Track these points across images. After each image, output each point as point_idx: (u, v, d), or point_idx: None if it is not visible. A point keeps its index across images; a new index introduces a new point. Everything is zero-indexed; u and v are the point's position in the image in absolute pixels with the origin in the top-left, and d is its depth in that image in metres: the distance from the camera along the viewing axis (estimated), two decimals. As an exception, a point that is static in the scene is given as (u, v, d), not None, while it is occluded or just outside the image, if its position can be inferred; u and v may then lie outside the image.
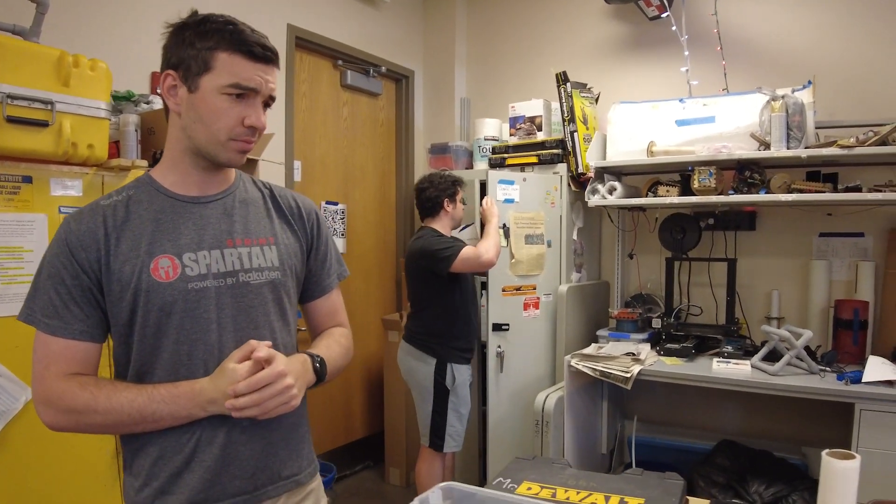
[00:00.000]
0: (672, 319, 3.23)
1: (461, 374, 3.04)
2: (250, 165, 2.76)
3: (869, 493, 2.63)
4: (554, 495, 1.32)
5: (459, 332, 3.06)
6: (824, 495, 1.01)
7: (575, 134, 3.33)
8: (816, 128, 3.08)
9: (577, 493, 1.33)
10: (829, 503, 1.02)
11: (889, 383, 2.62)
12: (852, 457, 1.02)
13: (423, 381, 3.03)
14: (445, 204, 3.05)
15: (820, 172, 3.08)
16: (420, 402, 3.08)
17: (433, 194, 3.05)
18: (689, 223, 3.24)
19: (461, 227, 3.29)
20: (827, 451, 1.01)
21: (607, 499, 1.30)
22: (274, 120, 3.24)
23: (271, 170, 2.88)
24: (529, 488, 1.36)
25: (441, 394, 3.00)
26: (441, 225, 3.08)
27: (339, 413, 3.88)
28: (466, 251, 2.88)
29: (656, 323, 3.32)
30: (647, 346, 3.21)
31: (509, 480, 1.40)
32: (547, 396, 3.10)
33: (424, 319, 3.05)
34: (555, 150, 3.42)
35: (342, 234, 3.77)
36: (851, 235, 3.25)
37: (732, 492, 3.01)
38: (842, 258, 3.29)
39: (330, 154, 3.78)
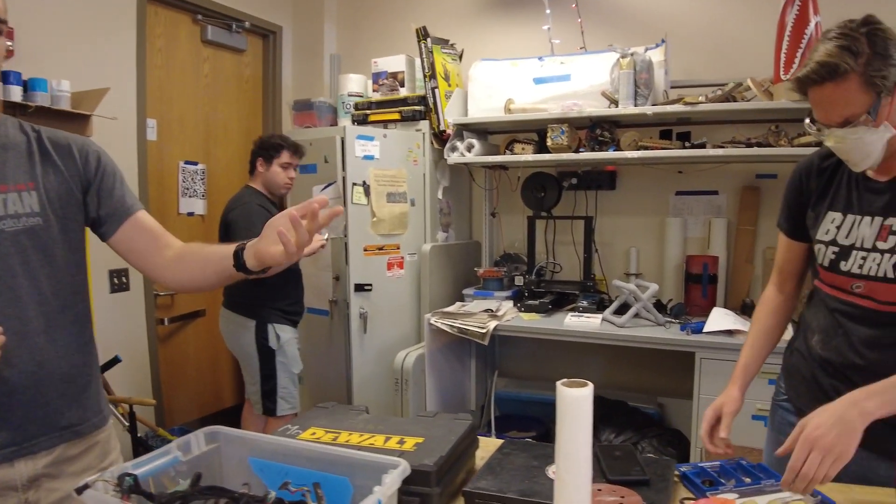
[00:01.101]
0: (533, 277, 3.31)
1: (285, 333, 3.03)
2: (81, 121, 2.62)
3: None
4: (335, 439, 1.33)
5: (287, 293, 3.06)
6: (561, 421, 1.05)
7: (436, 90, 3.33)
8: (672, 87, 3.20)
9: (361, 435, 1.34)
10: (564, 428, 1.06)
11: (728, 333, 2.78)
12: (586, 385, 1.06)
13: (246, 347, 3.00)
14: (259, 164, 3.08)
15: (672, 131, 3.20)
16: (247, 368, 3.05)
17: (252, 152, 3.12)
18: (549, 182, 3.32)
19: (323, 186, 3.25)
20: (562, 381, 1.05)
21: (387, 439, 1.31)
22: (122, 76, 3.10)
23: (111, 127, 2.74)
24: (314, 433, 1.35)
25: (266, 356, 2.98)
26: (257, 184, 3.11)
27: (207, 382, 3.81)
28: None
29: (520, 281, 3.40)
30: (510, 303, 3.29)
31: (297, 427, 1.39)
32: (407, 355, 3.14)
33: (242, 282, 2.94)
34: (417, 107, 3.41)
35: (203, 196, 3.65)
36: (706, 193, 3.41)
37: (588, 442, 3.14)
38: (696, 216, 3.45)
39: (189, 112, 3.64)
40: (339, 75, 3.92)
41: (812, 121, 1.34)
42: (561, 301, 3.32)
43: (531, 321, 3.07)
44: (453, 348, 3.35)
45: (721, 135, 3.11)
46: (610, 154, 2.97)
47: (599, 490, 1.23)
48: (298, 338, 3.14)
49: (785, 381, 1.62)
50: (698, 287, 3.21)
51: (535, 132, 3.25)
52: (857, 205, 1.39)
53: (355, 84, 3.72)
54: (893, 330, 1.35)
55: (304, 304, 3.20)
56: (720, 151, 2.83)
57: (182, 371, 3.64)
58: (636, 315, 3.05)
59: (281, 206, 3.13)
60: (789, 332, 1.70)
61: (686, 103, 2.85)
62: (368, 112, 3.53)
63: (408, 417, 1.54)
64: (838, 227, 1.41)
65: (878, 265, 1.33)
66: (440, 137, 3.43)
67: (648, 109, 2.86)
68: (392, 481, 0.97)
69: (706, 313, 3.03)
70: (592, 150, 3.02)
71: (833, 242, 1.41)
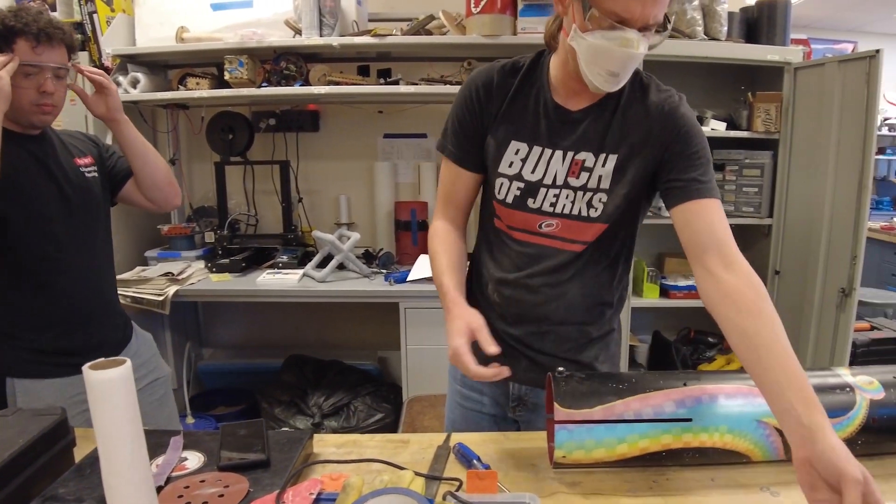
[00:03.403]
0: (226, 231, 3.02)
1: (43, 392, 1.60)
2: None
3: (416, 388, 2.81)
4: None
5: (46, 313, 1.63)
6: (93, 407, 0.83)
7: (95, 16, 2.85)
8: (371, 20, 3.05)
9: None
10: (98, 421, 0.84)
11: (430, 280, 2.73)
12: (122, 363, 0.84)
13: None
14: None
15: (370, 68, 3.05)
16: None
17: None
18: (238, 122, 3.01)
19: None
20: (94, 362, 0.82)
21: None
22: None
23: None
24: None
25: None
26: None
27: None
28: None
29: (212, 237, 3.09)
30: (201, 264, 2.98)
31: None
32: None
33: None
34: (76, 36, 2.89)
35: None
36: (414, 136, 3.34)
37: (295, 408, 2.98)
38: (406, 160, 3.38)
39: None
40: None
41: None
42: (260, 257, 3.08)
43: (221, 282, 2.79)
44: (143, 321, 2.95)
45: (421, 72, 3.03)
46: (296, 89, 2.74)
47: (202, 482, 1.05)
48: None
49: None
50: (408, 234, 3.15)
51: (214, 65, 2.92)
52: (546, 136, 1.25)
53: (-12, 3, 3.07)
54: (569, 268, 1.30)
55: (94, 330, 1.70)
56: (412, 88, 2.75)
57: None
58: (342, 267, 2.92)
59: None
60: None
61: (375, 35, 2.70)
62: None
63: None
64: (524, 160, 1.26)
65: (573, 203, 1.24)
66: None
67: (334, 41, 2.68)
68: None
69: (416, 261, 2.99)
70: (278, 84, 2.77)
71: (518, 177, 1.26)
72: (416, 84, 2.81)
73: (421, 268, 2.85)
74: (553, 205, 1.25)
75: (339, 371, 3.20)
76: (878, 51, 2.44)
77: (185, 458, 1.13)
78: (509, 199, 1.28)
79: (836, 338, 2.68)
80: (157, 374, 1.88)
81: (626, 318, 2.60)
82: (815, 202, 2.76)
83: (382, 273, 2.91)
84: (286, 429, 2.80)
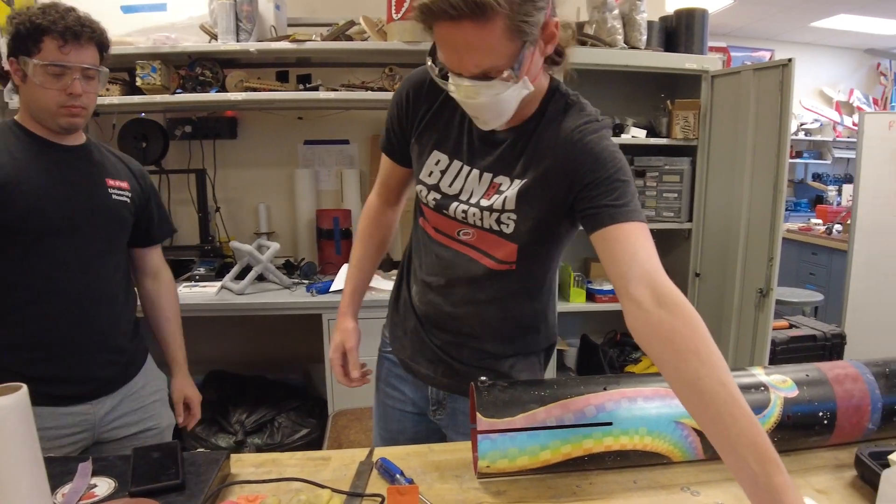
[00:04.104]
0: (140, 244, 2.91)
1: None
2: None
3: (342, 401, 2.77)
4: None
5: (26, 334, 1.50)
6: None
7: (-9, 16, 2.71)
8: (290, 24, 3.00)
9: None
10: None
11: (356, 289, 2.70)
12: (18, 389, 0.80)
13: None
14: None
15: (288, 73, 3.00)
16: None
17: None
18: (152, 130, 2.92)
19: None
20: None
21: None
22: None
23: None
24: None
25: None
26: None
27: None
28: None
29: (125, 250, 2.98)
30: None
31: None
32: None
33: None
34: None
35: None
36: (336, 143, 3.30)
37: (217, 426, 2.90)
38: (328, 166, 3.34)
39: None
40: None
41: (434, 61, 1.10)
42: (176, 270, 2.97)
43: (134, 297, 2.68)
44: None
45: (342, 78, 3.00)
46: (212, 96, 2.67)
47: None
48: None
49: (390, 331, 1.53)
50: (331, 243, 3.12)
51: (126, 70, 2.82)
52: (466, 153, 1.24)
53: None
54: (486, 285, 1.30)
55: (75, 362, 1.53)
56: (332, 94, 2.72)
57: None
58: (262, 279, 2.86)
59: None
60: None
61: (294, 41, 2.66)
62: None
63: None
64: (443, 172, 1.26)
65: (481, 220, 1.24)
66: (3, 76, 2.81)
67: (252, 46, 2.62)
68: None
69: (339, 271, 2.95)
70: (194, 91, 2.69)
71: (436, 187, 1.27)
72: (337, 90, 2.77)
73: (344, 278, 2.81)
74: (465, 218, 1.25)
75: (263, 386, 3.14)
76: (790, 60, 2.55)
77: (95, 485, 1.08)
78: (431, 204, 1.29)
79: (755, 337, 2.78)
80: (150, 423, 1.68)
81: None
82: (733, 206, 2.87)
83: (304, 283, 2.86)
84: (201, 450, 2.72)
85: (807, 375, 1.21)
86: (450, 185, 1.26)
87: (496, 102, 1.07)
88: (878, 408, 1.19)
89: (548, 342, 1.45)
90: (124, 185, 1.61)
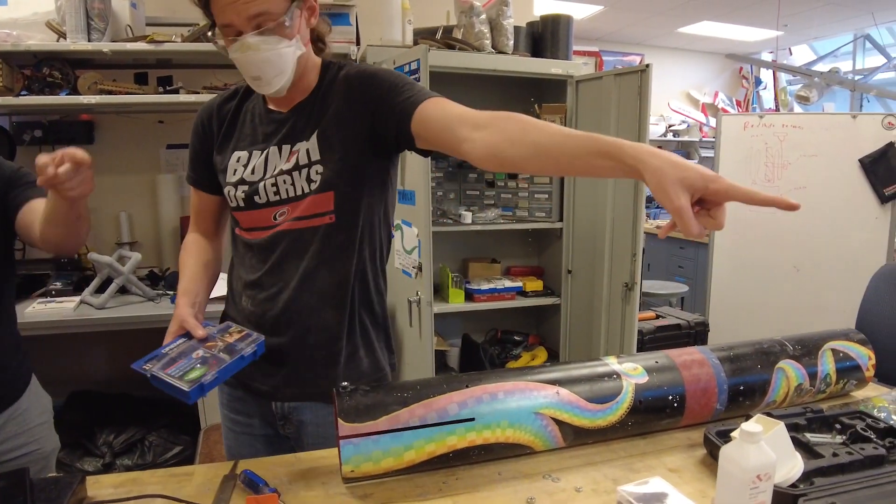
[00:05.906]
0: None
1: None
2: None
3: (215, 415, 2.69)
4: None
5: None
6: None
7: None
8: (149, 24, 2.93)
9: None
10: None
11: (222, 299, 2.67)
12: None
13: None
14: None
15: (147, 75, 2.93)
16: None
17: None
18: (-3, 135, 2.78)
19: None
20: None
21: None
22: None
23: None
24: None
25: None
26: None
27: None
28: None
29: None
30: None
31: None
32: None
33: None
34: None
35: None
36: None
37: (82, 449, 2.79)
38: (195, 171, 3.27)
39: None
40: None
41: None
42: (29, 285, 2.85)
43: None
44: None
45: (204, 80, 2.96)
46: (62, 98, 2.58)
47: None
48: None
49: None
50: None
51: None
52: (261, 138, 1.37)
53: None
54: (309, 247, 1.33)
55: None
56: (193, 97, 2.69)
57: None
58: (124, 291, 2.78)
59: None
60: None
61: (151, 42, 2.61)
62: None
63: None
64: (245, 165, 1.36)
65: (293, 185, 1.31)
66: None
67: (105, 46, 2.55)
68: None
69: (211, 279, 2.90)
70: (41, 93, 2.58)
71: (241, 182, 1.36)
72: (199, 92, 2.74)
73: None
74: (277, 192, 1.33)
75: (130, 404, 3.04)
76: (648, 65, 2.75)
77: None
78: (241, 203, 1.36)
79: (623, 328, 2.98)
80: (34, 446, 1.60)
81: (429, 322, 2.70)
82: (599, 206, 3.05)
83: (170, 295, 2.80)
84: (53, 474, 2.61)
85: (656, 362, 1.32)
86: (252, 173, 1.35)
87: (277, 57, 1.23)
88: (725, 389, 1.33)
89: (382, 313, 1.48)
90: None
